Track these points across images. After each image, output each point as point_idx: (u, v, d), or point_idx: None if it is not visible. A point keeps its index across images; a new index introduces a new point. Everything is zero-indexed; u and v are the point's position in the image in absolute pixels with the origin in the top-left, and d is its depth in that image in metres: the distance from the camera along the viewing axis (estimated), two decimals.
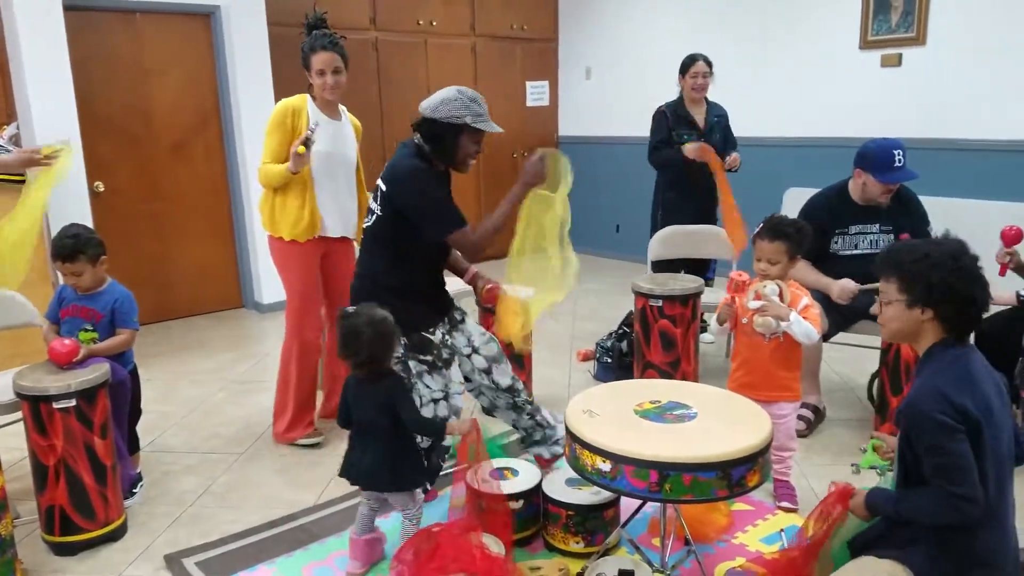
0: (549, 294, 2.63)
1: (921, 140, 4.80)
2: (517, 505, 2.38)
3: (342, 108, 3.29)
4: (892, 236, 3.30)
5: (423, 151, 2.62)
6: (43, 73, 4.42)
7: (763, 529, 2.59)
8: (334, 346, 2.66)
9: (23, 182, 3.57)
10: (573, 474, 2.41)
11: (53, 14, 4.42)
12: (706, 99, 4.33)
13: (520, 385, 2.87)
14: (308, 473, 3.07)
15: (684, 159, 4.11)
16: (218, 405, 3.87)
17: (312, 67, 3.07)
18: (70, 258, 2.69)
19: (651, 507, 2.51)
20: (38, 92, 4.42)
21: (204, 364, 4.49)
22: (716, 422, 2.15)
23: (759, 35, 5.92)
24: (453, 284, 2.90)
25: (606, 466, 2.00)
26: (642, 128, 4.54)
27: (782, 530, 2.54)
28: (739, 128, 4.42)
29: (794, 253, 2.60)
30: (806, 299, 2.60)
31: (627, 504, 2.46)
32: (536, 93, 7.45)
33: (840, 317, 3.28)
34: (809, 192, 3.58)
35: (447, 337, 2.69)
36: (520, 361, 3.46)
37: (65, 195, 4.24)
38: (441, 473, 2.72)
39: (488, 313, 2.90)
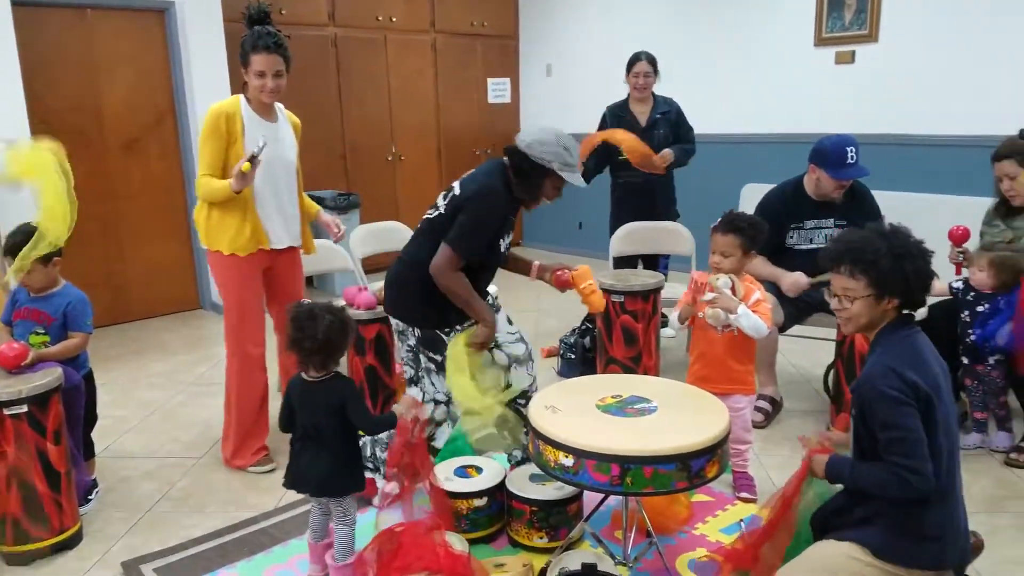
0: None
1: (874, 136, 4.91)
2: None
3: (278, 106, 3.11)
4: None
5: (507, 175, 2.62)
6: None
7: (723, 520, 2.64)
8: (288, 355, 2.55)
9: None
10: (537, 470, 2.42)
11: (1, 9, 4.30)
12: (654, 95, 4.37)
13: (535, 391, 2.78)
14: (268, 477, 3.03)
15: (620, 163, 4.26)
16: (176, 409, 3.80)
17: (251, 67, 2.86)
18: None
19: (613, 501, 2.53)
20: None
21: (161, 367, 4.42)
22: (675, 415, 2.18)
23: (716, 33, 5.99)
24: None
25: (569, 461, 2.02)
26: None
27: (741, 520, 2.58)
28: (697, 125, 4.46)
29: (748, 248, 2.64)
30: (758, 293, 2.65)
31: (590, 498, 2.49)
32: (497, 90, 7.45)
33: (795, 310, 3.34)
34: (766, 188, 3.64)
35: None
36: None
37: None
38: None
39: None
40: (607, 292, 3.50)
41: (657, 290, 3.54)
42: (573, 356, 4.08)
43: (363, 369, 3.22)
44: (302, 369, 2.23)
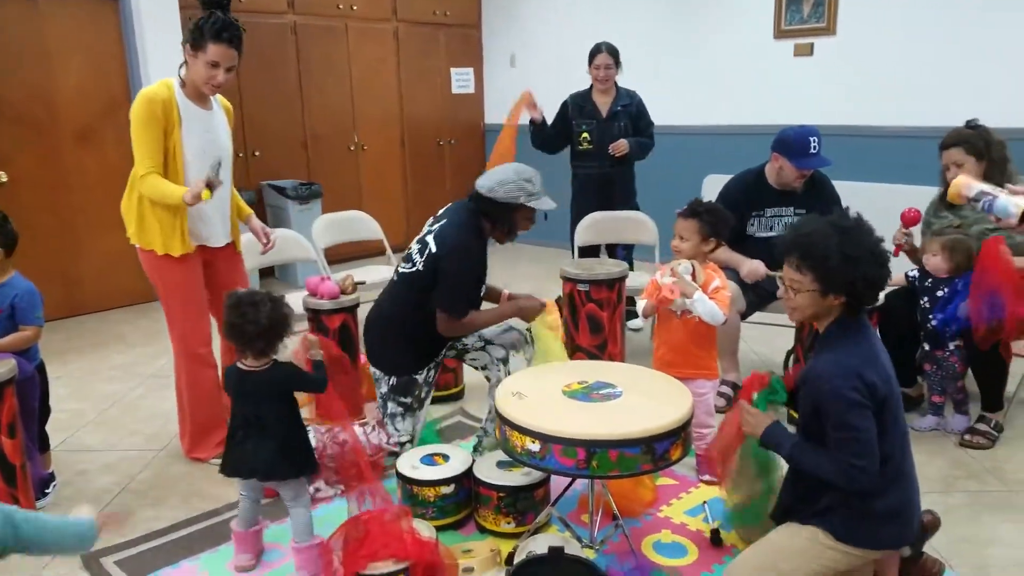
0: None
1: (832, 127, 4.98)
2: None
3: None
4: None
5: (478, 219, 2.71)
6: None
7: (687, 502, 2.67)
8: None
9: None
10: (504, 457, 2.43)
11: None
12: (617, 87, 4.39)
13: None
14: None
15: (580, 152, 4.32)
16: (136, 401, 3.73)
17: (205, 55, 2.65)
18: None
19: (580, 485, 2.55)
20: None
21: (120, 359, 4.33)
22: (640, 399, 2.20)
23: (678, 25, 6.04)
24: None
25: (535, 446, 2.03)
26: None
27: (705, 502, 2.62)
28: (658, 117, 4.50)
29: (707, 234, 2.68)
30: (718, 281, 2.69)
31: (556, 483, 2.50)
32: (461, 80, 7.41)
33: (756, 297, 3.40)
34: (727, 178, 3.69)
35: (430, 373, 2.80)
36: None
37: None
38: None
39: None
40: (572, 281, 3.52)
41: (622, 279, 3.57)
42: None
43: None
44: (239, 357, 2.22)
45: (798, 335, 3.30)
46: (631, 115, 4.37)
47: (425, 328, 2.70)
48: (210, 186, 2.59)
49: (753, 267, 3.29)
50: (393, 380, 2.76)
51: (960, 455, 2.98)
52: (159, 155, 2.69)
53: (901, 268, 3.32)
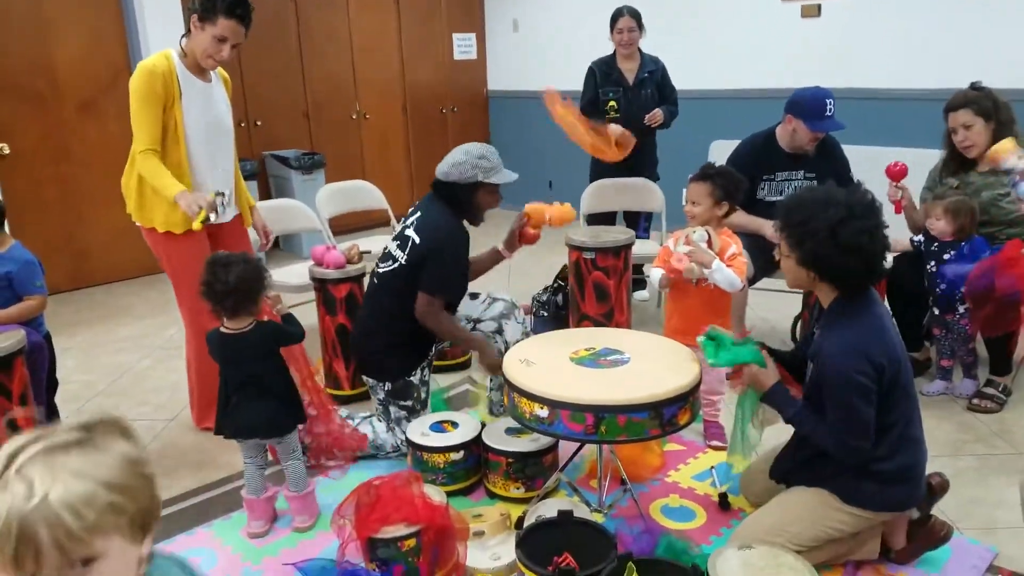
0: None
1: (840, 90, 4.89)
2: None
3: None
4: (816, 182, 3.40)
5: (449, 206, 2.70)
6: None
7: (694, 467, 2.69)
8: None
9: None
10: (513, 423, 2.44)
11: None
12: (641, 52, 4.31)
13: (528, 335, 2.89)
14: None
15: (608, 117, 4.17)
16: (145, 372, 3.75)
17: (214, 28, 2.59)
18: None
19: (588, 451, 2.57)
20: None
21: (128, 331, 4.34)
22: (648, 365, 2.20)
23: None
24: None
25: (543, 412, 2.03)
26: (572, 81, 4.52)
27: (712, 467, 2.63)
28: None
29: (719, 197, 2.64)
30: (734, 247, 2.66)
31: (565, 449, 2.52)
32: (463, 46, 7.32)
33: (765, 263, 3.37)
34: (734, 143, 3.64)
35: (424, 372, 2.79)
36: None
37: None
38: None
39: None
40: (578, 249, 3.51)
41: (628, 246, 3.55)
42: (546, 314, 4.09)
43: (334, 328, 3.20)
44: (216, 318, 2.28)
45: (805, 300, 3.30)
46: (657, 82, 4.29)
47: (413, 327, 2.68)
48: (207, 220, 2.56)
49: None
50: (388, 386, 2.73)
51: (968, 419, 2.98)
52: (157, 132, 2.66)
53: (903, 232, 3.30)
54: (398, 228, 2.79)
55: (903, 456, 1.93)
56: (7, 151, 4.65)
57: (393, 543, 1.97)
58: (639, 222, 4.48)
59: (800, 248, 1.92)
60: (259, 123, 6.00)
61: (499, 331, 2.83)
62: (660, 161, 4.55)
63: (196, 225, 2.54)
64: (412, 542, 1.98)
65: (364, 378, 2.86)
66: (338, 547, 2.06)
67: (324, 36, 6.28)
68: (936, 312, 3.10)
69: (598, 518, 2.24)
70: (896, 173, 3.17)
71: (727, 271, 2.58)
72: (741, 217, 3.22)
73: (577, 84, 4.39)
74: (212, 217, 2.56)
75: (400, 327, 2.68)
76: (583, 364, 2.21)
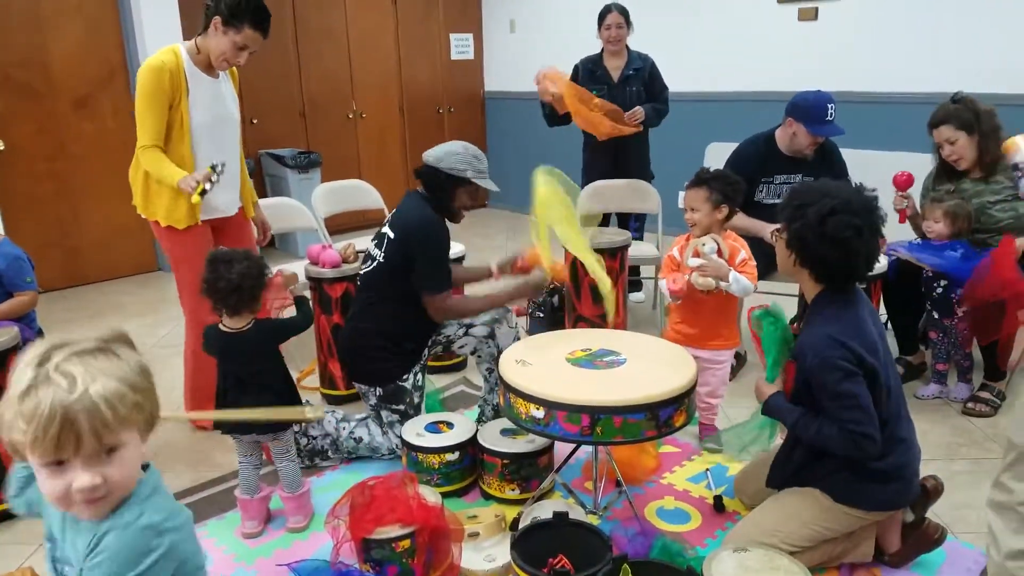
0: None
1: (837, 93, 4.91)
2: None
3: None
4: None
5: (431, 201, 2.68)
6: None
7: (689, 469, 2.69)
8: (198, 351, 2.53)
9: None
10: (508, 424, 2.44)
11: None
12: (628, 50, 4.30)
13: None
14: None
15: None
16: None
17: (239, 35, 2.63)
18: None
19: (583, 453, 2.57)
20: None
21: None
22: (644, 367, 2.20)
23: None
24: None
25: (539, 413, 2.03)
26: None
27: (707, 470, 2.64)
28: None
29: (717, 201, 2.63)
30: (743, 253, 2.64)
31: (560, 450, 2.52)
32: (460, 46, 7.32)
33: (764, 266, 3.37)
34: (731, 146, 3.64)
35: (418, 377, 2.75)
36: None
37: None
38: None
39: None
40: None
41: (625, 247, 3.55)
42: (542, 315, 4.09)
43: (329, 328, 3.19)
44: (216, 315, 2.27)
45: (800, 302, 3.29)
46: (643, 79, 4.26)
47: (401, 328, 2.66)
48: (204, 192, 2.56)
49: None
50: (379, 391, 2.70)
51: (963, 423, 2.99)
52: (161, 129, 2.67)
53: (906, 235, 3.31)
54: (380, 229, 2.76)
55: (892, 456, 1.94)
56: (2, 147, 4.63)
57: (387, 544, 1.97)
58: (629, 223, 4.47)
59: (789, 228, 1.95)
60: (255, 121, 5.98)
61: (491, 336, 2.81)
62: (656, 163, 4.55)
63: (195, 199, 2.54)
64: (407, 543, 1.97)
65: (356, 385, 2.83)
66: (332, 548, 2.06)
67: (321, 35, 6.27)
68: (936, 316, 3.10)
69: (593, 520, 2.24)
70: (903, 182, 3.19)
71: (743, 280, 2.56)
72: (741, 220, 3.22)
73: None
74: (208, 186, 2.56)
75: (387, 328, 2.65)
76: (579, 365, 2.21)
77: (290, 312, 2.43)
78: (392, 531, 1.97)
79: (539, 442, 2.44)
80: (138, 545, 1.06)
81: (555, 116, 4.19)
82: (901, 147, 4.65)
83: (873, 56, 5.07)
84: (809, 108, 3.26)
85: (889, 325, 3.31)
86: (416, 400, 2.75)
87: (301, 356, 3.69)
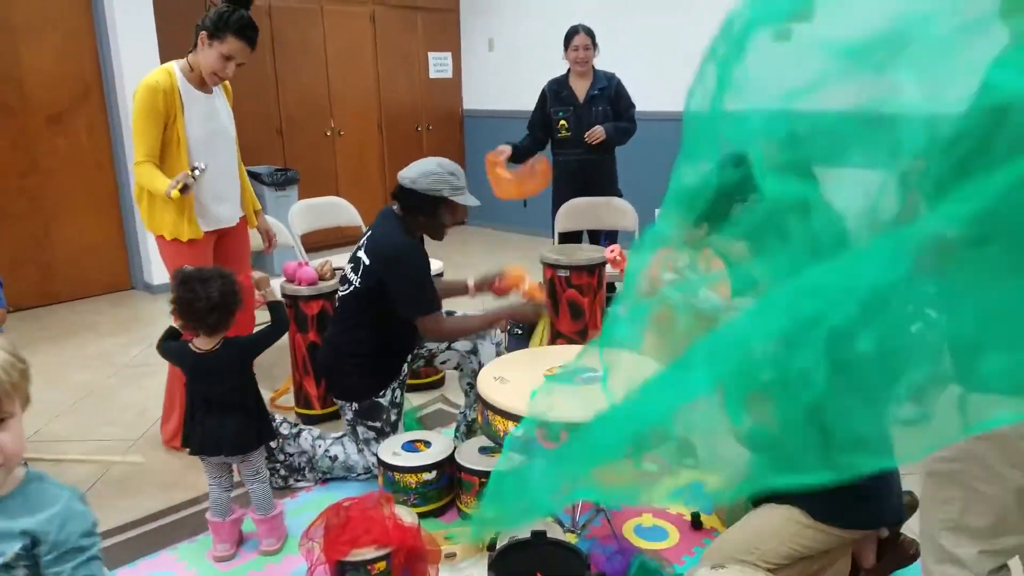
0: None
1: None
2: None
3: None
4: None
5: (406, 222, 2.66)
6: None
7: (668, 485, 2.68)
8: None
9: None
10: (486, 443, 2.43)
11: None
12: (595, 70, 4.34)
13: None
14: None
15: (559, 140, 4.26)
16: (110, 391, 3.68)
17: (222, 46, 2.67)
18: None
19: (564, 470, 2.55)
20: None
21: (94, 349, 4.26)
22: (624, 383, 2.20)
23: (656, 10, 6.02)
24: None
25: (519, 431, 2.02)
26: None
27: (685, 486, 2.63)
28: (636, 103, 4.46)
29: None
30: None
31: None
32: (439, 65, 7.35)
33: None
34: None
35: (396, 394, 2.74)
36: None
37: None
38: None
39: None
40: (552, 267, 3.51)
41: (602, 264, 3.56)
42: (520, 332, 4.08)
43: (305, 346, 3.17)
44: (190, 335, 2.24)
45: None
46: (609, 98, 4.30)
47: (378, 347, 2.67)
48: (184, 189, 2.57)
49: None
50: (355, 406, 2.69)
51: None
52: (156, 146, 2.71)
53: None
54: (355, 248, 2.76)
55: (872, 474, 1.95)
56: None
57: (362, 566, 1.94)
58: (600, 240, 4.50)
59: None
60: None
61: (473, 351, 2.81)
62: (631, 181, 4.58)
63: (174, 194, 2.56)
64: (382, 565, 1.95)
65: (335, 400, 2.82)
66: (306, 571, 2.03)
67: (299, 51, 6.27)
68: None
69: (571, 539, 2.22)
70: None
71: (714, 298, 2.57)
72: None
73: None
74: (190, 183, 2.58)
75: (364, 349, 2.66)
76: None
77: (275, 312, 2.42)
78: (367, 553, 1.95)
79: None
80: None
81: (534, 147, 4.27)
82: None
83: None
84: None
85: None
86: (393, 418, 2.73)
87: (276, 375, 3.65)
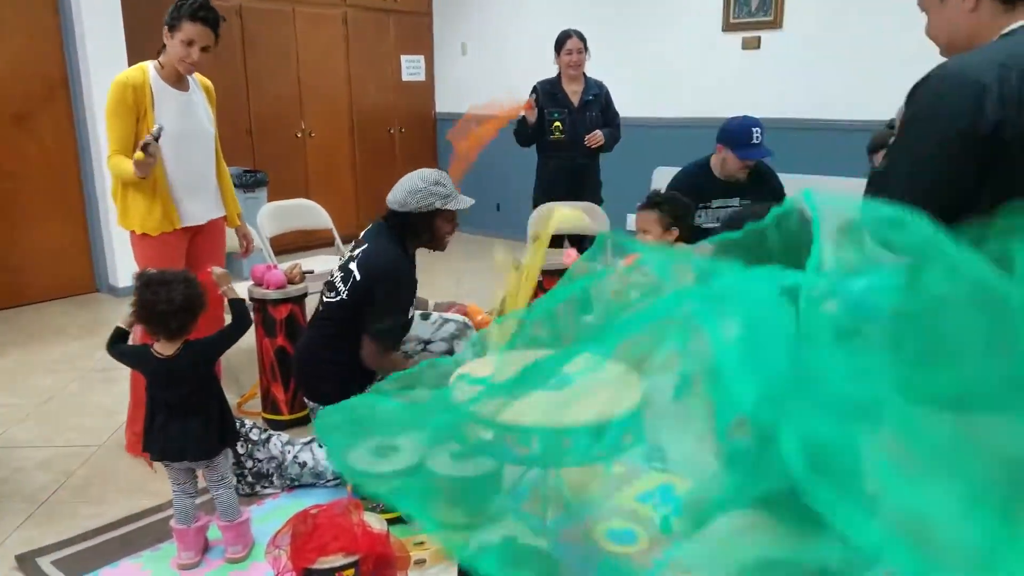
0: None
1: (779, 120, 5.08)
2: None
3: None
4: None
5: (398, 235, 2.68)
6: None
7: (637, 488, 2.69)
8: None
9: None
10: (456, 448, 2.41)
11: None
12: (585, 76, 4.37)
13: None
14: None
15: (551, 142, 4.23)
16: (74, 395, 3.61)
17: (180, 33, 2.71)
18: None
19: (533, 474, 2.55)
20: None
21: (58, 352, 4.18)
22: (594, 387, 2.20)
23: (628, 17, 6.06)
24: None
25: (488, 435, 2.01)
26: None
27: (656, 488, 2.64)
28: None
29: (668, 224, 2.70)
30: None
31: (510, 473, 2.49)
32: (412, 68, 7.33)
33: None
34: (676, 170, 3.71)
35: None
36: None
37: None
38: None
39: None
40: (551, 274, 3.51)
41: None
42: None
43: (273, 350, 3.13)
44: (152, 339, 2.20)
45: None
46: (601, 105, 4.36)
47: (356, 359, 2.67)
48: (145, 148, 2.57)
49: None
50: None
51: None
52: (128, 139, 2.72)
53: None
54: (345, 256, 2.75)
55: None
56: None
57: (330, 574, 1.92)
58: (584, 245, 4.51)
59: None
60: None
61: (450, 352, 2.81)
62: (604, 186, 4.61)
63: (138, 155, 2.56)
64: (350, 572, 1.93)
65: (306, 400, 2.80)
66: None
67: (270, 53, 6.21)
68: None
69: (541, 543, 2.22)
70: None
71: None
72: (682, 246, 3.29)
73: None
74: (151, 141, 2.57)
75: (343, 356, 2.66)
76: None
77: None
78: (335, 560, 1.93)
79: (488, 465, 2.42)
80: None
81: (525, 135, 4.26)
82: (840, 172, 4.80)
83: (813, 84, 5.23)
84: (735, 133, 3.36)
85: None
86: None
87: (243, 382, 3.61)
